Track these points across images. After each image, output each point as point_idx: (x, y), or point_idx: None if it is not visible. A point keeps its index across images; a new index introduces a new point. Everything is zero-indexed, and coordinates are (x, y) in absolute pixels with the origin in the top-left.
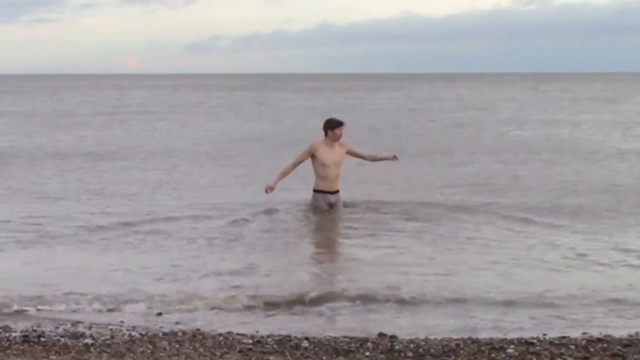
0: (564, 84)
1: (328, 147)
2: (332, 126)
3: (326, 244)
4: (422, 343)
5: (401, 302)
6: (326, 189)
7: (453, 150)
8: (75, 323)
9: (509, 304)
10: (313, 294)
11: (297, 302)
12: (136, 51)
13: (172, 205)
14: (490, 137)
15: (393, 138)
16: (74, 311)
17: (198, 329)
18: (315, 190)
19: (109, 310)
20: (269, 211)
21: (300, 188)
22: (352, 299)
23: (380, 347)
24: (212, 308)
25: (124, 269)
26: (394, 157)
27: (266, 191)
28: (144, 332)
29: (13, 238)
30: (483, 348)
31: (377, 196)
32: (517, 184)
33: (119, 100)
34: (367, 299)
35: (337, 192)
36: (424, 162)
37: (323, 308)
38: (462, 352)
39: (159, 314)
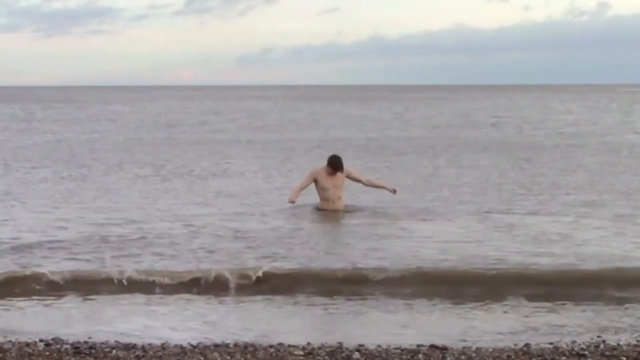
0: None
1: (328, 173)
2: (333, 165)
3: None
4: (474, 355)
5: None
6: (328, 209)
7: None
8: (126, 334)
9: None
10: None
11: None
12: (189, 63)
13: None
14: None
15: None
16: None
17: (249, 341)
18: (319, 210)
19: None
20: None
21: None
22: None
23: (431, 359)
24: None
25: None
26: (393, 190)
27: (291, 201)
28: (195, 344)
29: None
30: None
31: None
32: None
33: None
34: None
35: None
36: None
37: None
38: None
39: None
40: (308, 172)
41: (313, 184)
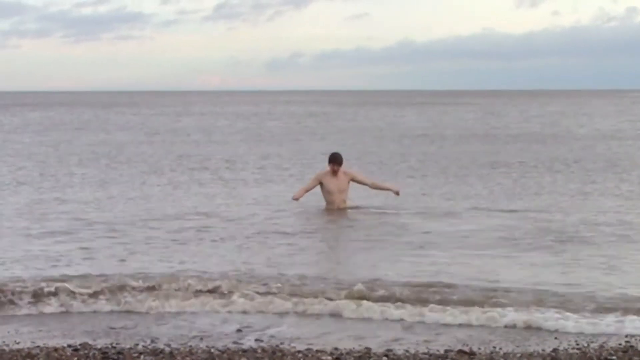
0: None
1: (332, 176)
2: (332, 160)
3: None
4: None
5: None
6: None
7: None
8: (154, 339)
9: None
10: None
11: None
12: (218, 68)
13: None
14: None
15: None
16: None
17: (277, 346)
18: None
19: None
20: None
21: None
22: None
23: None
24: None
25: None
26: (397, 192)
27: (294, 198)
28: (222, 349)
29: None
30: None
31: None
32: None
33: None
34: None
35: None
36: None
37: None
38: None
39: (239, 331)
40: (314, 174)
41: (319, 188)
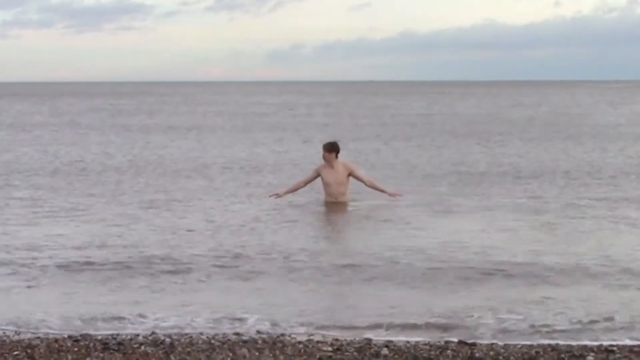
0: None
1: (330, 167)
2: (327, 149)
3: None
4: (502, 350)
5: None
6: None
7: None
8: (154, 330)
9: None
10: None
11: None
12: (219, 59)
13: None
14: None
15: None
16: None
17: (278, 337)
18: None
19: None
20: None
21: None
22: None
23: (460, 355)
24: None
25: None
26: (394, 195)
27: (271, 196)
28: (223, 340)
29: None
30: (563, 356)
31: None
32: None
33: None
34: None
35: None
36: None
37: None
38: (541, 359)
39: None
40: (314, 166)
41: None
